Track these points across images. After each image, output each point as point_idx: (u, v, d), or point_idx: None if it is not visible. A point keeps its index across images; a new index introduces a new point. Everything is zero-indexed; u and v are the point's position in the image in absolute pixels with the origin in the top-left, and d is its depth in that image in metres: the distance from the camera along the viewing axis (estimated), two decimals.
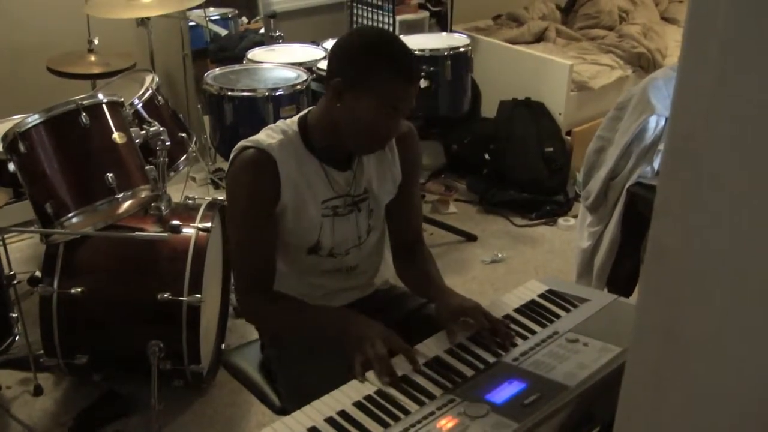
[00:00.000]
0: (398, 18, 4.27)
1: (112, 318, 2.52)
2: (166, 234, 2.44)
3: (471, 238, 3.91)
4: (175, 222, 2.47)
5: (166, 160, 2.61)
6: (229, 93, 3.09)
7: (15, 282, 2.51)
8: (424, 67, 3.54)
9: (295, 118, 1.90)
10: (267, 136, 1.83)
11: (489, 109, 4.48)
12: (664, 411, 1.00)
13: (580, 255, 2.92)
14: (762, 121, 0.84)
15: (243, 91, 3.11)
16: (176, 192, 3.21)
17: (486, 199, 4.24)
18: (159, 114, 2.86)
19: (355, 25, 4.43)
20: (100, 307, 2.50)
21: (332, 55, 1.81)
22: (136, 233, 2.49)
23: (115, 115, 2.51)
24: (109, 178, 2.37)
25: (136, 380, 2.69)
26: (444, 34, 4.23)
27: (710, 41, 0.85)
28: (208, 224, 2.54)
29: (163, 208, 2.60)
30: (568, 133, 4.34)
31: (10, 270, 2.53)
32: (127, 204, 2.48)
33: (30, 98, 3.13)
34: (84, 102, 2.42)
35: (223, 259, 2.92)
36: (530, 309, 1.81)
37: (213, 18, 4.34)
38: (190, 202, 2.75)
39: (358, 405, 1.49)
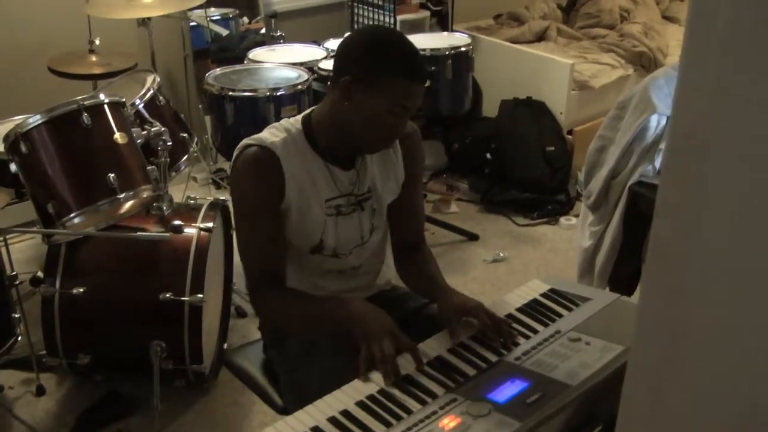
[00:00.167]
0: (399, 17, 4.27)
1: (114, 318, 2.52)
2: (167, 234, 2.44)
3: (472, 237, 3.91)
4: (177, 222, 2.47)
5: (168, 160, 2.61)
6: (231, 93, 3.09)
7: (17, 282, 2.51)
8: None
9: (299, 117, 1.90)
10: (270, 135, 1.84)
11: (490, 108, 4.48)
12: (665, 410, 1.00)
13: (581, 254, 2.92)
14: (763, 119, 0.84)
15: (244, 91, 3.11)
16: (178, 192, 3.21)
17: (487, 199, 4.24)
18: (160, 114, 2.86)
19: (356, 25, 4.43)
20: (102, 307, 2.50)
21: (341, 53, 1.81)
22: (138, 233, 2.49)
23: (117, 115, 2.51)
24: (111, 178, 2.37)
25: (138, 380, 2.68)
26: (445, 33, 4.23)
27: (711, 40, 0.85)
28: (210, 224, 2.54)
29: (164, 208, 2.60)
30: (570, 132, 4.34)
31: (12, 270, 2.53)
32: (128, 204, 2.48)
33: (31, 99, 3.14)
34: (85, 102, 2.43)
35: (225, 258, 2.92)
36: (532, 308, 1.81)
37: (214, 18, 4.34)
38: (191, 202, 2.75)
39: (360, 404, 1.49)
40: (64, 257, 2.48)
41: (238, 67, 3.40)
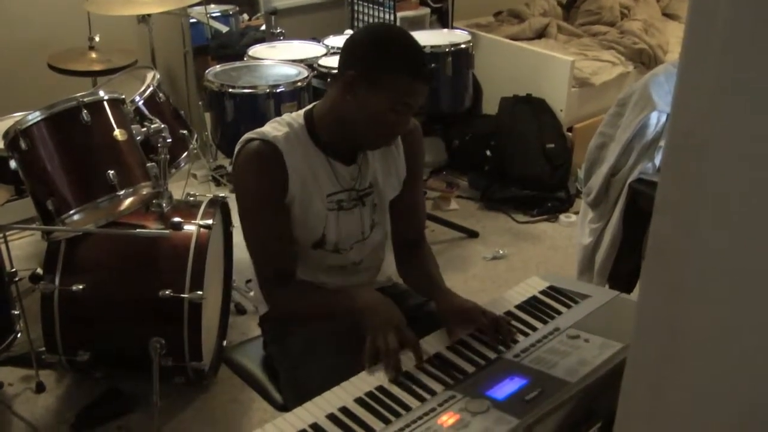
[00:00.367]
0: (399, 14, 4.27)
1: (114, 315, 2.53)
2: (167, 231, 2.44)
3: (472, 234, 3.91)
4: (177, 219, 2.47)
5: (167, 157, 2.61)
6: (230, 90, 3.09)
7: (16, 279, 2.51)
8: None
9: (301, 112, 1.90)
10: (273, 129, 1.84)
11: (490, 105, 4.48)
12: (664, 406, 1.00)
13: (581, 251, 2.92)
14: (762, 118, 0.84)
15: (244, 88, 3.11)
16: (177, 189, 3.21)
17: (487, 196, 4.24)
18: (160, 111, 2.86)
19: (355, 22, 4.43)
20: (102, 304, 2.50)
21: (347, 49, 1.81)
22: (138, 230, 2.49)
23: (117, 112, 2.51)
24: (111, 175, 2.37)
25: (137, 377, 2.69)
26: (445, 30, 4.23)
27: (711, 38, 0.85)
28: (210, 221, 2.54)
29: (164, 205, 2.60)
30: (570, 129, 4.34)
31: (12, 267, 2.52)
32: (128, 201, 2.48)
33: (31, 95, 3.14)
34: (85, 99, 2.43)
35: (225, 256, 2.92)
36: (531, 305, 1.81)
37: (214, 15, 4.34)
38: (191, 199, 2.75)
39: (359, 401, 1.49)
40: (63, 254, 2.48)
41: (237, 63, 3.39)
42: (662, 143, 2.56)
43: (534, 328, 1.73)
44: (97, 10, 3.38)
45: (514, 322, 1.73)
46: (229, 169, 4.15)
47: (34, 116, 2.38)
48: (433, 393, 1.51)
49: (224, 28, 4.33)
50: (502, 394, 1.48)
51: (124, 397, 2.72)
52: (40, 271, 2.52)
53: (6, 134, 2.42)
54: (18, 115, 2.66)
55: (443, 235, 3.88)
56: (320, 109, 1.88)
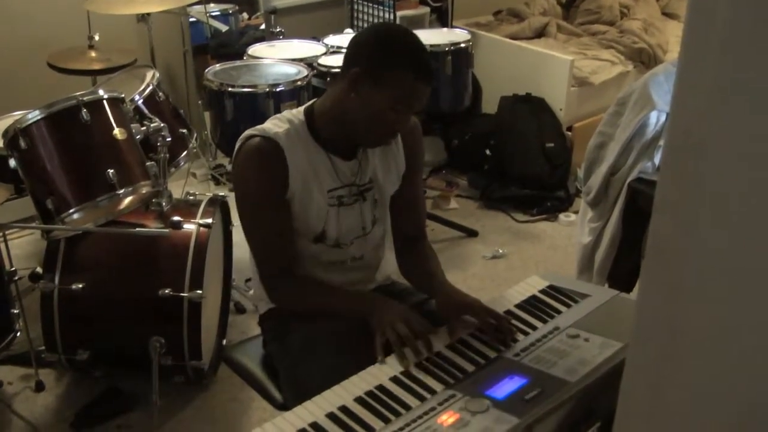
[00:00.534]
0: (399, 13, 4.27)
1: (113, 314, 2.53)
2: (167, 230, 2.44)
3: (472, 233, 3.91)
4: (176, 218, 2.47)
5: (167, 156, 2.61)
6: (230, 89, 3.09)
7: (16, 278, 2.51)
8: None
9: (301, 108, 1.92)
10: (273, 125, 1.85)
11: (490, 104, 4.48)
12: (664, 406, 1.00)
13: (580, 250, 2.92)
14: (761, 117, 0.84)
15: (243, 87, 3.11)
16: (177, 188, 3.21)
17: (487, 195, 4.24)
18: (160, 110, 2.86)
19: (355, 21, 4.43)
20: (101, 302, 2.50)
21: (353, 46, 1.83)
22: (137, 229, 2.49)
23: (116, 111, 2.51)
24: (110, 174, 2.37)
25: (137, 376, 2.69)
26: (444, 29, 4.23)
27: (710, 37, 0.85)
28: (209, 220, 2.54)
29: (163, 204, 2.60)
30: (569, 128, 4.34)
31: (11, 266, 2.52)
32: (128, 200, 2.48)
33: (31, 94, 3.13)
34: (85, 98, 2.43)
35: (224, 254, 2.92)
36: (531, 305, 1.82)
37: (213, 14, 4.34)
38: (191, 198, 2.75)
39: (359, 400, 1.49)
40: (63, 253, 2.48)
41: (237, 63, 3.39)
42: (662, 142, 2.56)
43: (534, 328, 1.73)
44: (97, 9, 3.38)
45: (513, 322, 1.73)
46: (229, 168, 4.15)
47: (34, 115, 2.38)
48: (432, 392, 1.51)
49: (224, 27, 4.33)
50: (502, 393, 1.49)
51: (123, 396, 2.72)
52: (39, 270, 2.52)
53: (5, 133, 2.42)
54: (17, 114, 2.66)
55: (443, 234, 3.88)
56: (321, 105, 1.89)
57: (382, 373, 1.58)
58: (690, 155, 0.90)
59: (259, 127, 1.86)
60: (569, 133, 4.32)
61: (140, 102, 2.80)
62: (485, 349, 1.65)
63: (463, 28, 4.19)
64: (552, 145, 4.20)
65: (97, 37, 3.46)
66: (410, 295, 2.05)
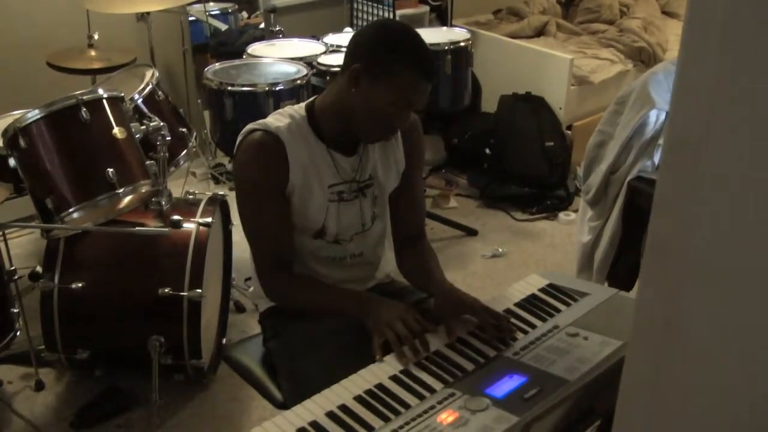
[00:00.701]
0: (398, 12, 4.27)
1: (113, 313, 2.53)
2: (166, 229, 2.44)
3: (471, 232, 3.91)
4: (176, 217, 2.48)
5: (167, 155, 2.61)
6: (230, 88, 3.09)
7: (16, 277, 2.51)
8: None
9: (302, 104, 1.93)
10: (275, 120, 1.87)
11: (489, 103, 4.48)
12: (663, 404, 1.00)
13: (580, 249, 2.92)
14: (761, 115, 0.84)
15: (243, 86, 3.11)
16: (177, 187, 3.21)
17: (486, 194, 4.24)
18: (159, 109, 2.86)
19: (355, 20, 4.43)
20: (101, 302, 2.50)
21: (355, 41, 1.84)
22: (137, 228, 2.49)
23: (116, 110, 2.51)
24: (110, 173, 2.37)
25: (137, 375, 2.69)
26: (444, 28, 4.23)
27: (710, 36, 0.85)
28: (209, 219, 2.54)
29: (163, 203, 2.60)
30: (569, 127, 4.34)
31: (11, 265, 2.52)
32: (127, 199, 2.48)
33: (30, 93, 3.13)
34: (84, 97, 2.43)
35: (224, 253, 2.92)
36: (531, 303, 1.82)
37: (213, 13, 4.34)
38: (190, 197, 2.75)
39: (359, 399, 1.49)
40: (63, 252, 2.48)
41: (237, 61, 3.39)
42: (661, 141, 2.56)
43: (533, 326, 1.73)
44: (97, 8, 3.38)
45: (513, 320, 1.73)
46: (229, 167, 4.15)
47: (34, 114, 2.38)
48: (432, 391, 1.51)
49: (223, 26, 4.33)
50: (501, 392, 1.49)
51: (123, 395, 2.72)
52: (39, 269, 2.52)
53: (5, 132, 2.42)
54: (17, 113, 2.66)
55: (442, 233, 3.88)
56: (322, 101, 1.90)
57: (381, 371, 1.58)
58: (689, 154, 0.91)
59: (260, 121, 1.87)
60: (569, 131, 4.32)
61: (140, 101, 2.80)
62: (484, 348, 1.65)
63: (462, 27, 4.19)
64: (552, 143, 4.20)
65: (96, 36, 3.46)
66: (409, 293, 2.05)
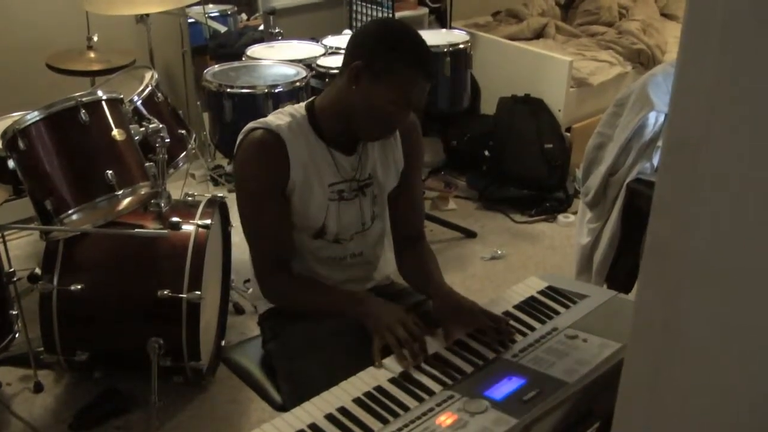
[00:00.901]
0: (397, 14, 4.27)
1: (112, 315, 2.52)
2: (165, 231, 2.44)
3: (470, 234, 3.91)
4: (175, 219, 2.48)
5: (166, 157, 2.61)
6: (229, 90, 3.09)
7: (15, 279, 2.50)
8: None
9: (303, 103, 1.94)
10: (276, 118, 1.88)
11: (488, 105, 4.48)
12: (662, 406, 1.00)
13: (579, 251, 2.92)
14: (760, 117, 0.84)
15: (242, 88, 3.11)
16: (176, 189, 3.21)
17: (485, 196, 4.24)
18: (158, 111, 2.86)
19: (354, 22, 4.43)
20: (100, 304, 2.50)
21: (355, 39, 1.85)
22: (136, 230, 2.49)
23: (115, 112, 2.51)
24: (109, 175, 2.37)
25: (136, 377, 2.69)
26: (443, 30, 4.23)
27: (709, 38, 0.85)
28: (208, 221, 2.54)
29: (162, 205, 2.60)
30: (568, 129, 4.34)
31: (10, 267, 2.52)
32: (126, 201, 2.48)
33: (29, 95, 3.13)
34: (83, 99, 2.42)
35: (223, 255, 2.92)
36: (529, 305, 1.82)
37: (212, 15, 4.34)
38: (189, 199, 2.75)
39: (357, 401, 1.49)
40: (62, 254, 2.48)
41: (236, 63, 3.39)
42: (660, 143, 2.56)
43: (532, 328, 1.73)
44: (96, 9, 3.38)
45: (512, 322, 1.73)
46: (228, 169, 4.15)
47: (33, 116, 2.38)
48: (431, 393, 1.51)
49: (222, 28, 4.34)
50: (500, 394, 1.49)
51: (122, 397, 2.72)
52: (38, 271, 2.52)
53: (4, 134, 2.42)
54: (16, 115, 2.66)
55: (441, 235, 3.88)
56: (322, 100, 1.91)
57: (380, 374, 1.58)
58: (688, 156, 0.91)
59: (261, 120, 1.88)
60: (568, 133, 4.32)
61: (139, 103, 2.80)
62: (483, 350, 1.65)
63: (461, 29, 4.19)
64: (551, 145, 4.20)
65: (95, 38, 3.46)
66: (409, 295, 2.05)
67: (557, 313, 1.78)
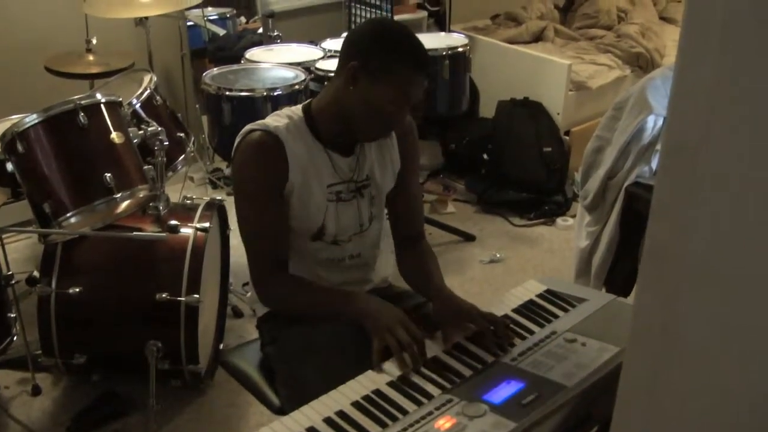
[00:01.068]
0: (396, 17, 4.28)
1: (110, 318, 2.52)
2: (164, 234, 2.44)
3: (469, 238, 3.91)
4: (173, 222, 2.47)
5: (164, 159, 2.61)
6: (228, 93, 3.09)
7: (13, 282, 2.50)
8: None
9: (299, 105, 1.94)
10: (273, 120, 1.88)
11: (487, 109, 4.48)
12: (661, 409, 1.00)
13: (578, 255, 2.92)
14: (758, 120, 0.84)
15: (241, 91, 3.11)
16: (174, 192, 3.21)
17: (484, 199, 4.24)
18: (157, 114, 2.86)
19: (353, 26, 4.43)
20: (98, 307, 2.50)
21: (351, 40, 1.85)
22: (134, 233, 2.49)
23: (114, 114, 2.51)
24: (108, 178, 2.37)
25: (134, 380, 2.68)
26: (442, 33, 4.23)
27: (707, 41, 0.85)
28: (206, 224, 2.54)
29: (161, 208, 2.60)
30: (567, 132, 4.34)
31: (8, 270, 2.52)
32: (125, 204, 2.48)
33: (28, 98, 3.13)
34: (82, 102, 2.42)
35: (221, 259, 2.92)
36: (528, 309, 1.81)
37: (211, 18, 4.34)
38: (188, 202, 2.75)
39: (356, 405, 1.49)
40: (60, 257, 2.48)
41: (235, 66, 3.39)
42: (659, 147, 2.56)
43: (531, 332, 1.73)
44: (95, 12, 3.38)
45: (511, 326, 1.73)
46: (226, 172, 4.15)
47: (31, 119, 2.38)
48: (430, 397, 1.51)
49: (221, 31, 4.33)
50: (499, 398, 1.48)
51: (120, 401, 2.71)
52: (36, 274, 2.51)
53: (3, 137, 2.42)
54: (15, 118, 2.66)
55: (440, 239, 3.88)
56: (319, 102, 1.91)
57: (379, 377, 1.58)
58: (687, 159, 0.91)
59: (259, 122, 1.88)
60: (567, 137, 4.32)
61: (138, 106, 2.80)
62: (482, 354, 1.65)
63: (460, 33, 4.19)
64: (549, 149, 4.20)
65: (94, 41, 3.46)
66: (408, 298, 2.05)
67: (556, 316, 1.78)
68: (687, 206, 0.92)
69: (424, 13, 4.76)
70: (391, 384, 1.55)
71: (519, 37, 4.86)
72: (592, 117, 4.26)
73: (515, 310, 1.81)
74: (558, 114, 4.32)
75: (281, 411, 1.84)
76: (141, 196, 2.49)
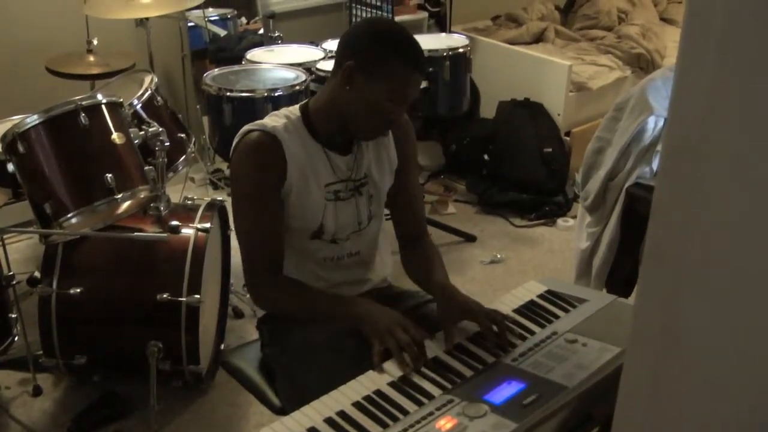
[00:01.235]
0: (397, 18, 4.28)
1: (111, 318, 2.52)
2: (165, 234, 2.44)
3: (470, 238, 3.91)
4: (174, 222, 2.47)
5: (165, 160, 2.61)
6: (228, 93, 3.10)
7: (14, 282, 2.51)
8: None
9: (297, 105, 1.95)
10: (271, 120, 1.89)
11: (488, 109, 4.48)
12: (661, 410, 1.00)
13: (578, 255, 2.92)
14: (758, 120, 0.84)
15: (242, 91, 3.11)
16: (175, 192, 3.21)
17: (485, 200, 4.24)
18: (158, 114, 2.86)
19: None
20: (99, 307, 2.50)
21: (346, 40, 1.86)
22: (135, 234, 2.49)
23: (114, 115, 2.51)
24: (108, 178, 2.37)
25: (135, 381, 2.68)
26: (443, 34, 4.23)
27: (708, 42, 0.85)
28: (207, 225, 2.54)
29: (162, 208, 2.60)
30: (567, 133, 4.34)
31: (9, 270, 2.52)
32: (126, 204, 2.48)
33: (29, 99, 3.13)
34: (83, 102, 2.42)
35: (222, 259, 2.92)
36: (529, 309, 1.81)
37: (212, 18, 4.34)
38: (189, 202, 2.75)
39: (357, 405, 1.49)
40: (61, 257, 2.48)
41: (236, 67, 3.39)
42: (659, 148, 2.56)
43: (532, 332, 1.73)
44: (96, 13, 3.38)
45: (511, 326, 1.73)
46: (227, 172, 4.15)
47: (32, 119, 2.38)
48: (430, 397, 1.51)
49: (222, 32, 4.33)
50: (500, 398, 1.48)
51: (121, 401, 2.71)
52: (37, 274, 2.52)
53: (4, 137, 2.42)
54: (16, 119, 2.66)
55: (441, 239, 3.88)
56: (316, 101, 1.92)
57: (380, 377, 1.58)
58: (688, 160, 0.91)
59: (257, 122, 1.89)
60: (567, 138, 4.33)
61: (138, 106, 2.80)
62: (483, 354, 1.65)
63: (461, 33, 4.19)
64: (550, 150, 4.20)
65: (95, 42, 3.46)
66: (408, 298, 2.05)
67: (557, 317, 1.78)
68: (687, 207, 0.92)
69: (424, 14, 4.76)
70: (391, 384, 1.55)
71: (519, 38, 4.86)
72: (593, 118, 4.26)
73: (516, 311, 1.81)
74: (558, 115, 4.32)
75: (282, 411, 1.84)
76: (142, 196, 2.49)
